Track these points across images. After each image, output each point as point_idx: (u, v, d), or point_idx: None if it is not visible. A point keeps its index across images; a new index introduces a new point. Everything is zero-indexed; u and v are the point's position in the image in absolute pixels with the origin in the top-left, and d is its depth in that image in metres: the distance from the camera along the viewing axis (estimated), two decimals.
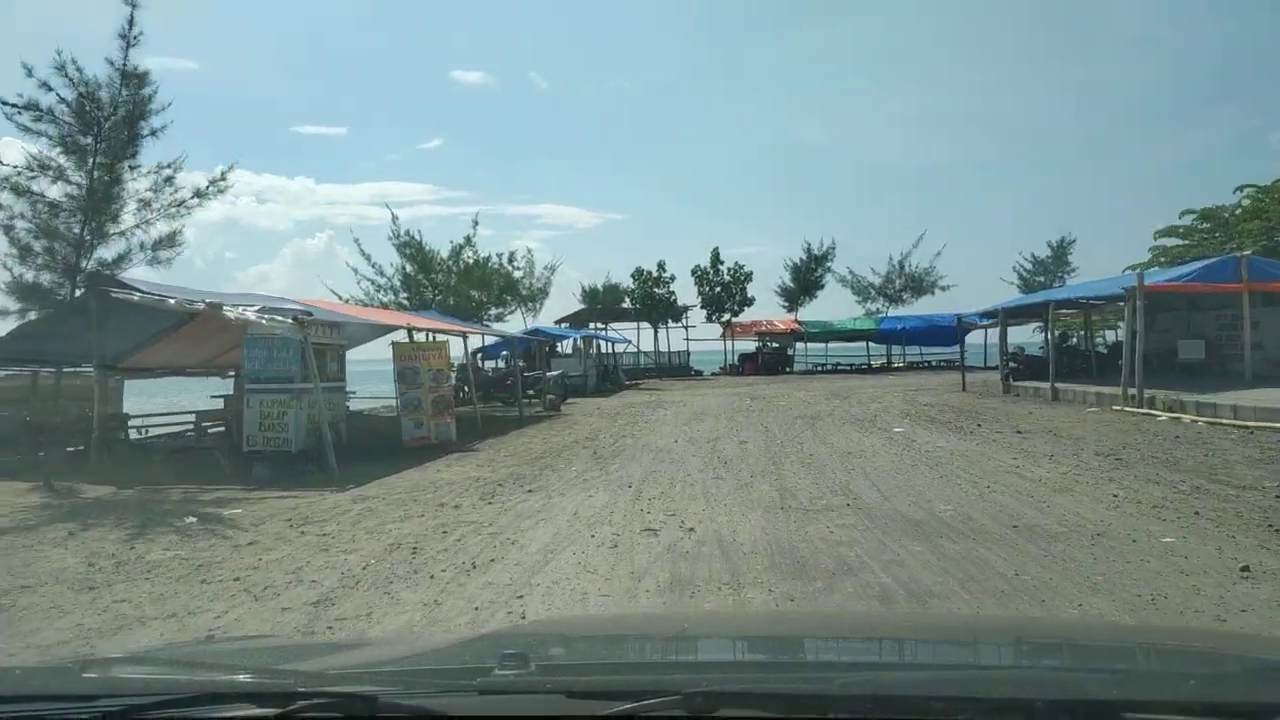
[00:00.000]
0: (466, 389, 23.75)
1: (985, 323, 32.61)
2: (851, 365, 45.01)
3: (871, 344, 46.59)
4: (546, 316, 37.88)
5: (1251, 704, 1.36)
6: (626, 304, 41.31)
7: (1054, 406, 20.06)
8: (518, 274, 31.35)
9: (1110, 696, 1.37)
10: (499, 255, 29.59)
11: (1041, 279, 44.95)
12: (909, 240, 44.06)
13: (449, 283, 26.31)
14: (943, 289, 43.22)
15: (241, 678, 1.58)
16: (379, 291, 27.45)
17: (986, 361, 44.07)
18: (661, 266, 40.93)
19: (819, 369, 43.40)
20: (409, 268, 27.69)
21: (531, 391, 26.60)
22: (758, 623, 3.38)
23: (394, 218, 28.58)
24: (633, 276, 40.95)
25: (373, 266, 28.62)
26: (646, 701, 1.26)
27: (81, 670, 1.70)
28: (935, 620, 4.12)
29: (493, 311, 30.01)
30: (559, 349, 32.76)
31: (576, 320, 44.45)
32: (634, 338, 46.39)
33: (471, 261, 28.39)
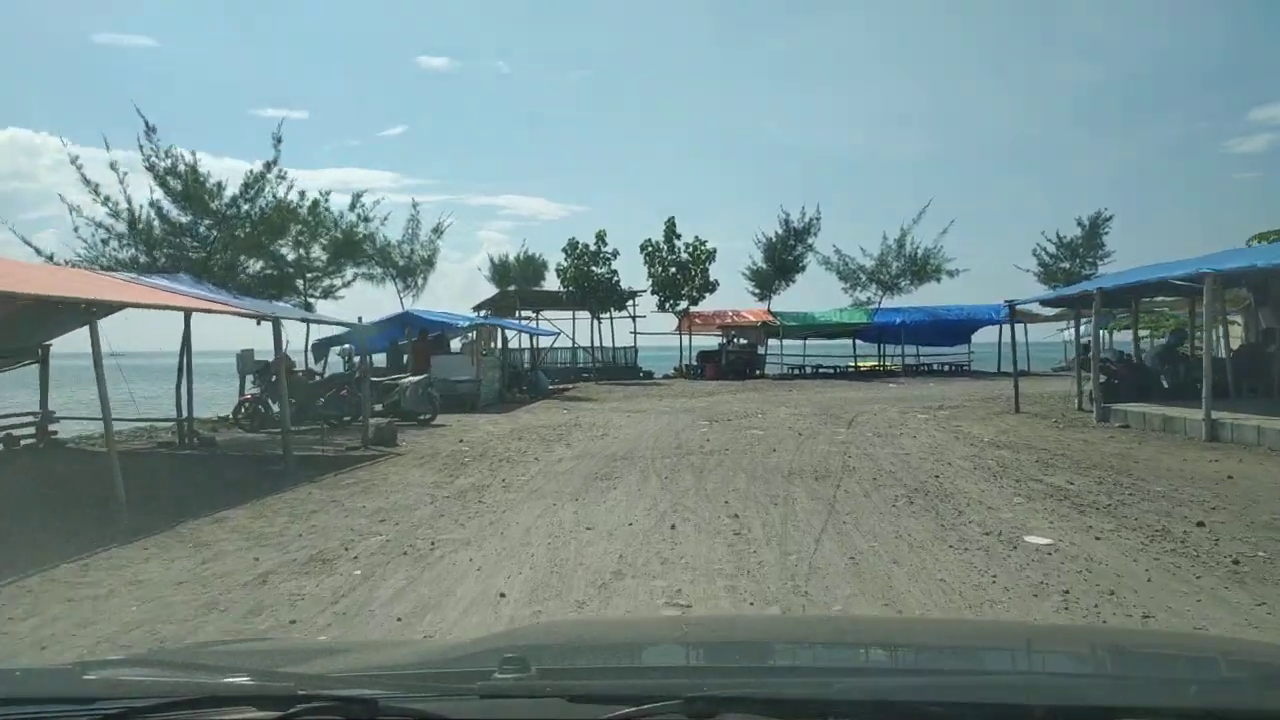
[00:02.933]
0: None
1: (1049, 313, 24.22)
2: (836, 368, 36.64)
3: (859, 342, 38.25)
4: (456, 300, 28.94)
5: (1254, 711, 1.37)
6: (551, 285, 32.70)
7: (1223, 453, 11.68)
8: (365, 229, 21.91)
9: (1111, 702, 1.39)
10: (323, 194, 20.36)
11: (1066, 265, 36.88)
12: (899, 222, 35.30)
13: (236, 234, 17.09)
14: (950, 274, 34.94)
15: (241, 680, 1.57)
16: (114, 244, 17.47)
17: (1000, 366, 36.12)
18: (601, 239, 32.26)
19: (796, 372, 34.94)
20: (172, 208, 17.73)
21: (379, 406, 17.78)
22: (758, 627, 3.28)
23: (147, 128, 17.56)
24: (564, 251, 32.16)
25: (106, 205, 17.36)
26: (647, 706, 1.25)
27: (81, 672, 1.68)
28: (936, 625, 3.80)
29: (330, 284, 20.94)
30: (468, 340, 23.88)
31: (499, 307, 35.58)
32: (571, 329, 37.86)
33: (296, 206, 18.85)
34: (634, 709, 1.25)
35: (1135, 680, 1.77)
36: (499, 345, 25.14)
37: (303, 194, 19.06)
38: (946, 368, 36.05)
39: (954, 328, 35.36)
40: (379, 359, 24.30)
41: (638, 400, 24.10)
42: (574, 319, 35.69)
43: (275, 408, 17.06)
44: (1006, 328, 37.83)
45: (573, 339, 35.88)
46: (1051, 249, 36.98)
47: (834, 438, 14.44)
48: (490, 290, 34.57)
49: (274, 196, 17.98)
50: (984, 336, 36.85)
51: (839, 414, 18.96)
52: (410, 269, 25.93)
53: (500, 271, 33.14)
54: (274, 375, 16.57)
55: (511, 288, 32.84)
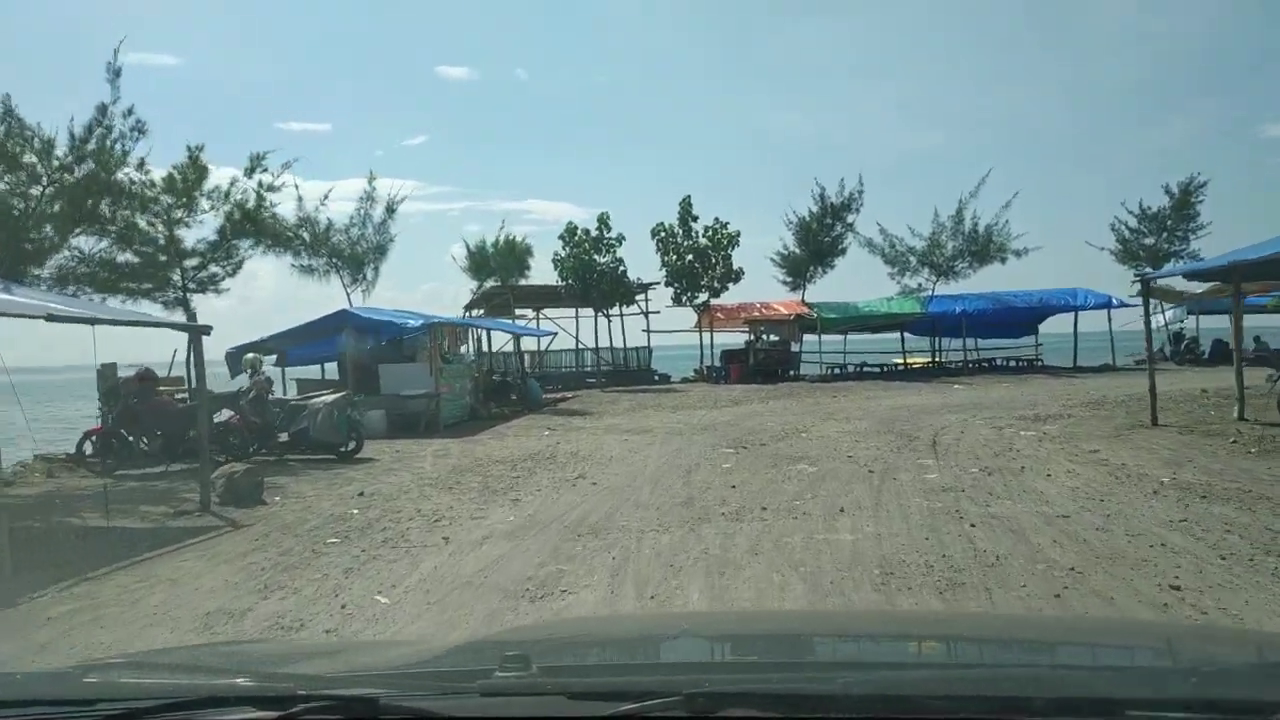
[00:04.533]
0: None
1: (1199, 290, 19.09)
2: (883, 367, 31.48)
3: (908, 335, 33.06)
4: (438, 300, 24.16)
5: (1255, 701, 1.33)
6: (542, 277, 27.83)
7: None
8: (273, 201, 16.93)
9: (1113, 694, 1.36)
10: (195, 149, 15.43)
11: (1150, 241, 31.54)
12: (931, 215, 29.97)
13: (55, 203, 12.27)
14: (1017, 254, 29.60)
15: (242, 681, 1.54)
16: None
17: (1076, 360, 30.83)
18: (604, 223, 27.33)
19: (837, 372, 29.85)
20: None
21: (285, 436, 13.11)
22: (759, 623, 3.16)
23: None
24: (561, 238, 27.31)
25: None
26: (648, 702, 1.25)
27: (82, 675, 1.69)
28: (938, 619, 3.78)
29: (213, 273, 16.01)
30: (449, 345, 19.16)
31: (492, 305, 30.85)
32: (575, 329, 33.09)
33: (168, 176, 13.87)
34: (635, 705, 1.24)
35: (1137, 672, 1.77)
36: (472, 349, 20.32)
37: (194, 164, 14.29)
38: (1013, 364, 30.81)
39: (1023, 317, 30.14)
40: (319, 370, 19.65)
41: (645, 413, 19.24)
42: (577, 317, 30.86)
43: (144, 440, 12.45)
44: (1079, 316, 33.22)
45: (576, 339, 31.04)
46: (1133, 222, 31.61)
47: (924, 478, 9.54)
48: (464, 285, 29.76)
49: (121, 152, 13.20)
50: (1063, 325, 31.69)
51: (910, 431, 14.01)
52: (358, 259, 21.08)
53: (477, 261, 28.21)
54: (133, 398, 11.96)
55: (491, 281, 27.78)
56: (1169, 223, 30.80)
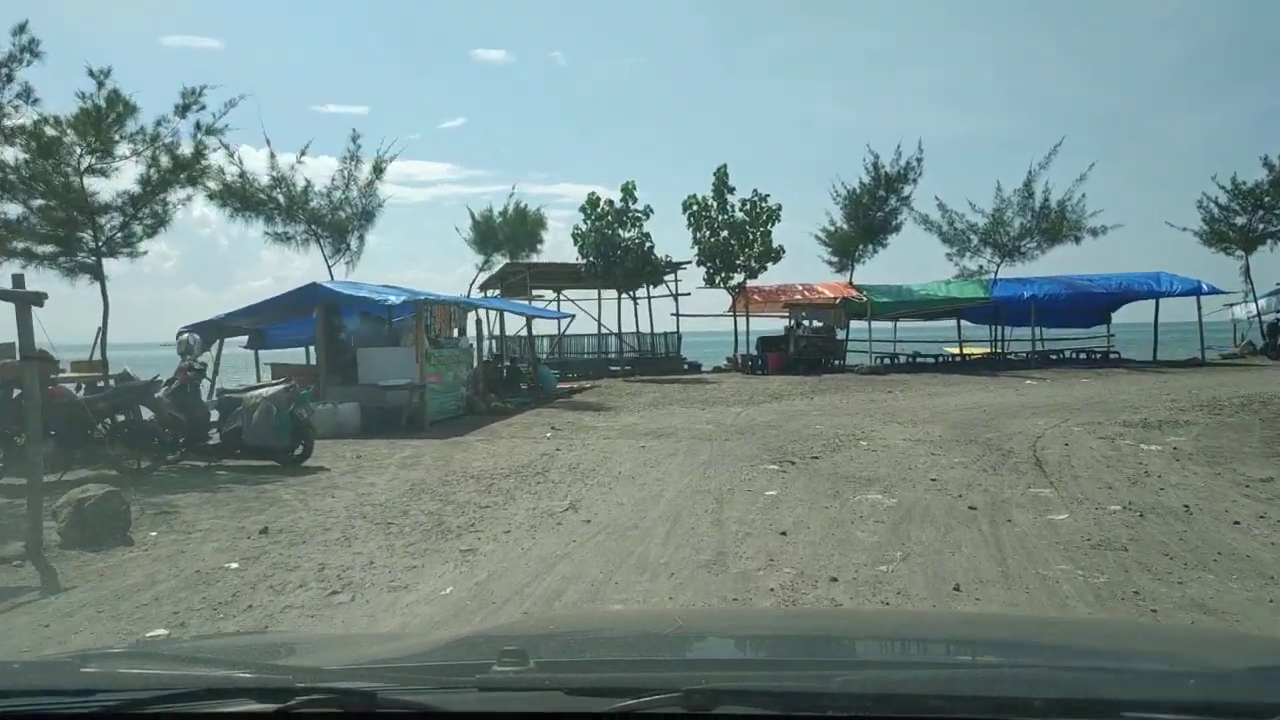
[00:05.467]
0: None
1: None
2: (937, 358, 28.37)
3: (965, 323, 29.95)
4: (452, 278, 21.46)
5: (1253, 704, 1.34)
6: (543, 253, 24.93)
7: None
8: (213, 145, 14.09)
9: (1110, 695, 1.36)
10: (102, 71, 12.71)
11: (1242, 220, 28.08)
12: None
13: None
14: (1094, 233, 26.26)
15: (240, 673, 1.51)
16: None
17: (1157, 354, 27.54)
18: (630, 193, 24.49)
19: (887, 363, 26.79)
20: None
21: (216, 435, 10.58)
22: (758, 620, 3.23)
23: None
24: (582, 210, 24.51)
25: None
26: (646, 699, 1.24)
27: (80, 665, 1.64)
28: (935, 618, 3.82)
29: (130, 232, 13.30)
30: (440, 328, 16.58)
31: (508, 285, 28.23)
32: (597, 311, 30.46)
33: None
34: (633, 701, 1.24)
35: (1135, 673, 1.76)
36: (479, 332, 17.66)
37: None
38: (1084, 355, 27.57)
39: (1100, 303, 26.90)
40: (304, 354, 17.15)
41: (669, 410, 16.48)
42: (599, 299, 28.08)
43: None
44: (1174, 305, 29.72)
45: (598, 323, 28.27)
46: (1223, 199, 28.11)
47: (1050, 521, 6.75)
48: (472, 261, 26.93)
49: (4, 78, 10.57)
50: (1142, 314, 28.38)
51: (997, 441, 11.17)
52: (340, 226, 18.35)
53: (483, 232, 25.38)
54: (13, 387, 9.45)
55: (501, 257, 24.91)
56: (1267, 199, 27.29)
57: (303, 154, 17.68)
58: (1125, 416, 13.91)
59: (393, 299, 13.63)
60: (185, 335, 11.45)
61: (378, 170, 18.85)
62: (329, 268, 18.37)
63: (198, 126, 13.11)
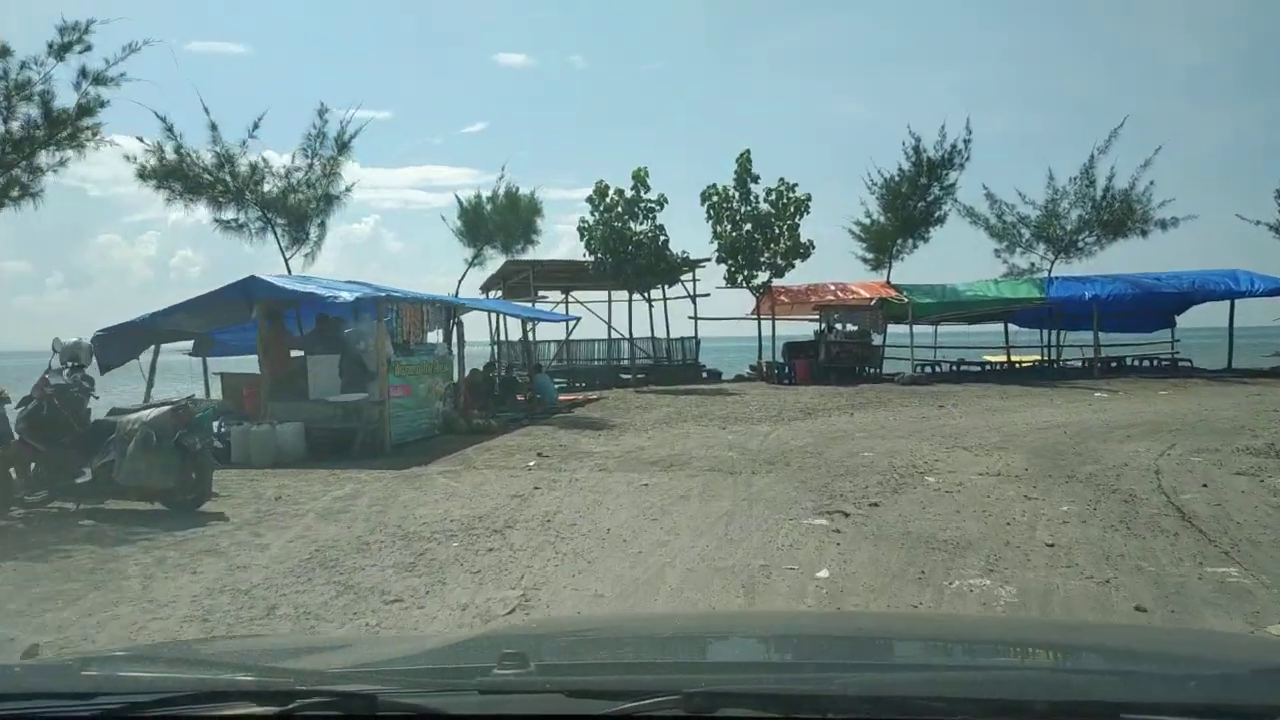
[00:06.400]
0: None
1: None
2: (984, 365, 25.58)
3: (1014, 326, 27.18)
4: (444, 278, 18.93)
5: (1253, 705, 1.35)
6: (537, 249, 22.30)
7: None
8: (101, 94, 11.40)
9: (1111, 698, 1.36)
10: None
11: None
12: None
13: None
14: (1163, 225, 23.40)
15: (241, 676, 1.52)
16: None
17: (1232, 361, 24.66)
18: (641, 181, 21.93)
19: (928, 371, 24.04)
20: None
21: (88, 473, 8.07)
22: (758, 623, 3.07)
23: None
24: (590, 201, 21.99)
25: None
26: (646, 701, 1.24)
27: (81, 668, 1.66)
28: (935, 621, 3.75)
29: None
30: (408, 332, 14.11)
31: (510, 285, 25.76)
32: (608, 314, 27.97)
33: None
34: (633, 704, 1.24)
35: (1136, 675, 1.75)
36: (452, 337, 15.14)
37: None
38: (1148, 363, 24.70)
39: (1168, 304, 24.05)
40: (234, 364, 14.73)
41: (684, 429, 13.91)
42: (609, 300, 25.55)
43: None
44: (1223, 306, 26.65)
45: (609, 326, 25.70)
46: None
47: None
48: (457, 252, 24.27)
49: None
50: (1215, 318, 25.43)
51: (1103, 477, 8.60)
52: (299, 211, 15.79)
53: (471, 219, 22.67)
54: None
55: (493, 251, 22.26)
56: None
57: (255, 128, 15.29)
58: (1244, 441, 11.24)
59: (345, 295, 11.14)
60: (72, 341, 8.93)
61: (341, 146, 16.30)
62: (285, 260, 15.91)
63: (83, 74, 10.57)
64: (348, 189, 16.79)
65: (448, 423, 13.56)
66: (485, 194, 22.25)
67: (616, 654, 2.01)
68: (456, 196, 22.00)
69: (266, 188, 15.40)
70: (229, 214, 15.30)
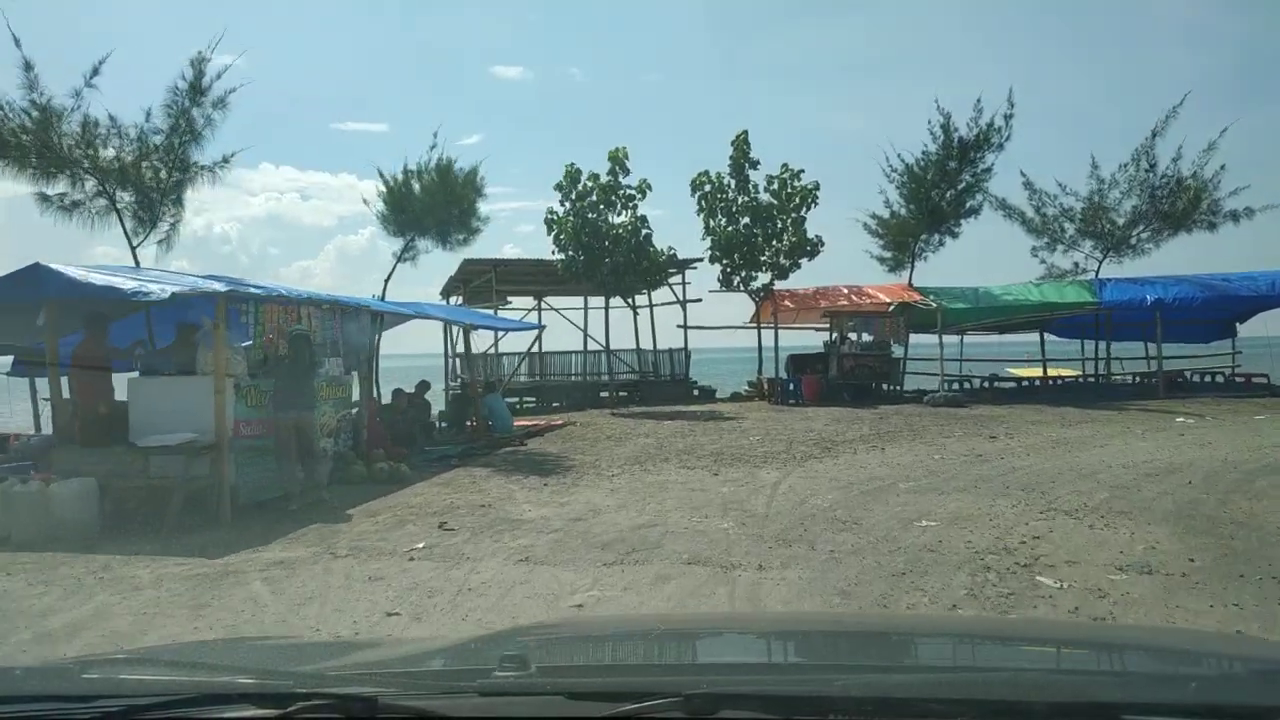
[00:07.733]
0: None
1: None
2: (1019, 381, 22.03)
3: (1051, 336, 23.70)
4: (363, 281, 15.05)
5: (1253, 706, 1.33)
6: (476, 241, 18.55)
7: None
8: None
9: (1111, 698, 1.35)
10: None
11: None
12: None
13: None
14: (1234, 217, 19.90)
15: (241, 679, 1.52)
16: None
17: None
18: (620, 164, 18.40)
19: (957, 387, 20.49)
20: None
21: None
22: (759, 624, 3.15)
23: None
24: (558, 188, 18.44)
25: None
26: (647, 703, 1.23)
27: (81, 670, 1.64)
28: (936, 622, 3.76)
29: None
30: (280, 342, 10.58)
31: (472, 288, 22.25)
32: (584, 321, 24.50)
33: None
34: (634, 706, 1.23)
35: (1135, 677, 1.74)
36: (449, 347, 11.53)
37: None
38: (1210, 379, 21.18)
39: (1232, 311, 20.55)
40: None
41: (662, 473, 10.36)
42: (586, 307, 22.04)
43: None
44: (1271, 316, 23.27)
45: (585, 335, 22.19)
46: None
47: None
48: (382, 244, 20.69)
49: None
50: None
51: None
52: (147, 187, 12.04)
53: (396, 198, 18.54)
54: None
55: (428, 242, 18.27)
56: None
57: (95, 72, 11.61)
58: None
59: (155, 291, 7.52)
60: None
61: (216, 103, 12.59)
62: (133, 251, 12.24)
63: None
64: (225, 160, 13.14)
65: (340, 468, 9.98)
66: (414, 168, 18.24)
67: (617, 656, 2.02)
68: (379, 171, 17.94)
69: (109, 153, 11.78)
70: (58, 188, 11.68)
